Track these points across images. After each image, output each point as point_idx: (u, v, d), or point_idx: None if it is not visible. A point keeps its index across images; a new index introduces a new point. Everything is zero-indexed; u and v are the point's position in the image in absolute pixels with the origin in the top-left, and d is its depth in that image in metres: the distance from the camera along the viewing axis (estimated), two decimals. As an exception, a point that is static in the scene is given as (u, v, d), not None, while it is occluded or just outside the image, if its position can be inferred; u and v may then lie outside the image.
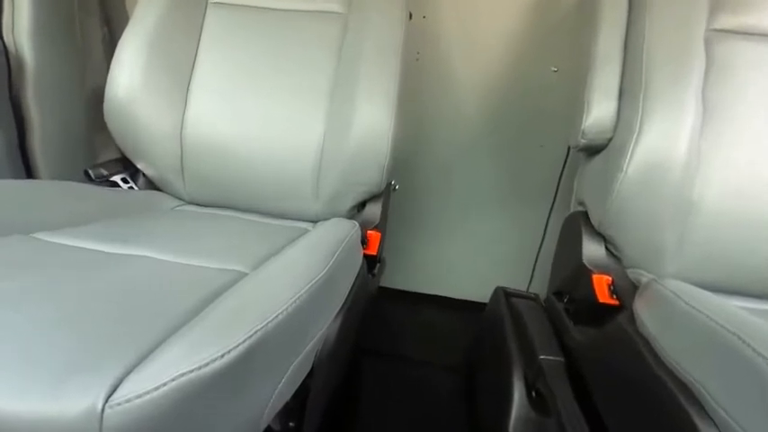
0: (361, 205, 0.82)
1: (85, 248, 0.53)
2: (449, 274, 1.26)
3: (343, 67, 0.77)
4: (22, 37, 0.80)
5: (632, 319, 0.56)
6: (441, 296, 1.27)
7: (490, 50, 1.03)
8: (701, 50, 0.65)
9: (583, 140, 0.71)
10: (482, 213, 1.18)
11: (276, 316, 0.38)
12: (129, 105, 0.75)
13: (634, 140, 0.63)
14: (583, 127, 0.70)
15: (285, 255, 0.55)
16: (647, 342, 0.51)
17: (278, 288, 0.44)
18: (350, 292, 0.61)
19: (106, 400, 0.29)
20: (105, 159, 0.82)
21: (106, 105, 0.76)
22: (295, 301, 0.41)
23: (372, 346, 1.06)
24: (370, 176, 0.76)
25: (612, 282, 0.67)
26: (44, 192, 0.65)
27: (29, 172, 0.85)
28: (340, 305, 0.57)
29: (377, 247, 0.77)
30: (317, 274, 0.47)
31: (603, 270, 0.69)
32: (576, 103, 0.74)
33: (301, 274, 0.47)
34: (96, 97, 0.80)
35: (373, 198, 0.81)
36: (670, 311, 0.50)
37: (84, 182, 0.76)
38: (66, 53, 0.88)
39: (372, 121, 0.73)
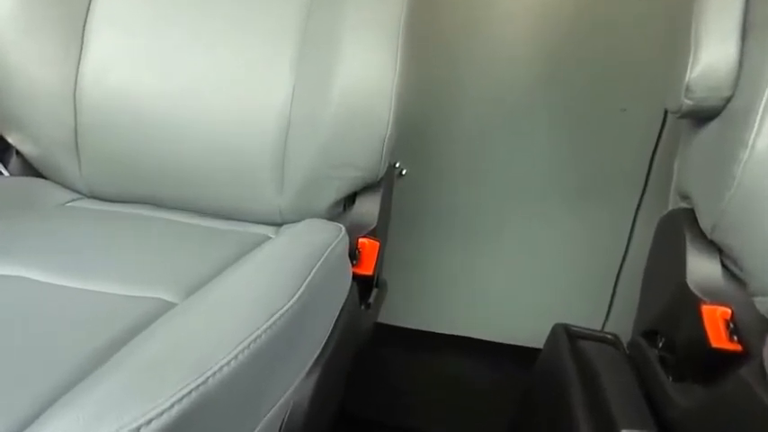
0: (350, 200, 0.82)
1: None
2: (482, 305, 1.25)
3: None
4: None
5: (762, 373, 0.55)
6: (470, 338, 1.27)
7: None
8: None
9: (687, 101, 0.71)
10: (533, 213, 1.18)
11: (220, 368, 0.38)
12: (-5, 48, 0.76)
13: (765, 101, 0.63)
14: (687, 80, 0.70)
15: (232, 276, 0.55)
16: (785, 408, 0.51)
17: (222, 326, 0.43)
18: (332, 333, 0.61)
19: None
20: (-41, 130, 0.82)
21: (-40, 48, 0.76)
22: (248, 346, 0.41)
23: (367, 414, 1.06)
24: (363, 155, 0.76)
25: (732, 316, 0.67)
26: None
27: None
28: (317, 352, 0.57)
29: (373, 264, 0.77)
30: (282, 306, 0.47)
31: (719, 298, 0.69)
32: (676, 43, 0.74)
33: (257, 305, 0.47)
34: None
35: (368, 189, 0.81)
36: (820, 362, 0.50)
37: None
38: None
39: (366, 72, 0.73)
